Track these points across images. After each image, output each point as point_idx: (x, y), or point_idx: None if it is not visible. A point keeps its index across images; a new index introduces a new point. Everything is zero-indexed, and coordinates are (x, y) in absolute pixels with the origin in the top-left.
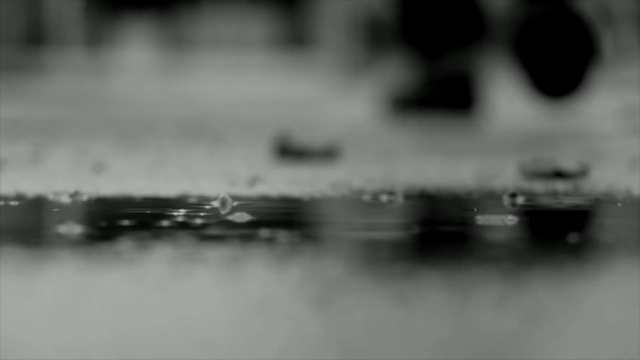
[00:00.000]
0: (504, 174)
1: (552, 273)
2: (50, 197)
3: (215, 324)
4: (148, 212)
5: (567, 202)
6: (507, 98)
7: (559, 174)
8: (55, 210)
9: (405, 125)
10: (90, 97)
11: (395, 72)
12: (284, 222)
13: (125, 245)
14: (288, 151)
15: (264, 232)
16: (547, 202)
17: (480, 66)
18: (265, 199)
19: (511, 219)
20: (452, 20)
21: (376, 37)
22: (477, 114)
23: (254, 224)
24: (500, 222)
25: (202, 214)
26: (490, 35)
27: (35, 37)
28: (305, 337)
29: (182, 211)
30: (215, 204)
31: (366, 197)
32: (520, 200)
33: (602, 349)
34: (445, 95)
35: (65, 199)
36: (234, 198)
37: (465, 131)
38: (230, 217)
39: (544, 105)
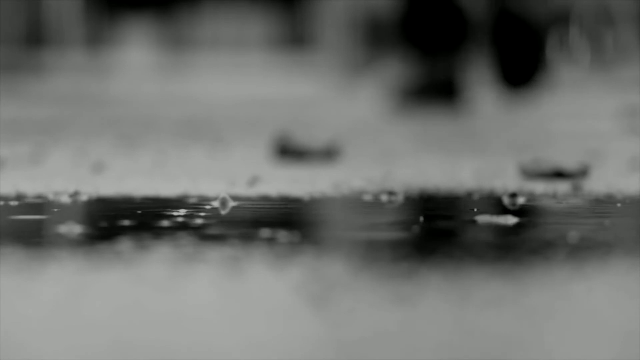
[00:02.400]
0: (504, 174)
1: (552, 273)
2: (50, 197)
3: (216, 324)
4: (148, 212)
5: (567, 202)
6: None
7: (559, 174)
8: (55, 210)
9: (406, 117)
10: (90, 97)
11: (396, 69)
12: (284, 222)
13: (125, 245)
14: (288, 151)
15: (264, 232)
16: (547, 202)
17: (464, 66)
18: (265, 199)
19: (511, 219)
20: (445, 24)
21: (376, 37)
22: (460, 106)
23: (254, 224)
24: (501, 222)
25: (202, 214)
26: (472, 38)
27: (35, 37)
28: (305, 337)
29: (182, 211)
30: (215, 204)
31: (366, 197)
32: (520, 200)
33: (602, 349)
34: (437, 89)
35: (65, 199)
36: (234, 198)
37: (454, 120)
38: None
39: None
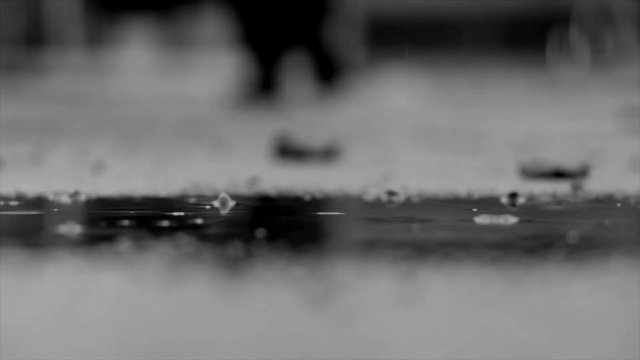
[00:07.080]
0: (504, 174)
1: (552, 273)
2: (50, 197)
3: (215, 324)
4: (148, 212)
5: (567, 202)
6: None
7: (559, 174)
8: (55, 210)
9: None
10: (90, 97)
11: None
12: (284, 222)
13: (125, 245)
14: (288, 151)
15: (264, 232)
16: (547, 202)
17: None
18: (265, 199)
19: (511, 219)
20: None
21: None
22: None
23: (254, 224)
24: (501, 222)
25: (202, 214)
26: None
27: (35, 37)
28: (306, 337)
29: (182, 211)
30: (215, 204)
31: (366, 197)
32: (520, 200)
33: (602, 349)
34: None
35: (65, 199)
36: (234, 198)
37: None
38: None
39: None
